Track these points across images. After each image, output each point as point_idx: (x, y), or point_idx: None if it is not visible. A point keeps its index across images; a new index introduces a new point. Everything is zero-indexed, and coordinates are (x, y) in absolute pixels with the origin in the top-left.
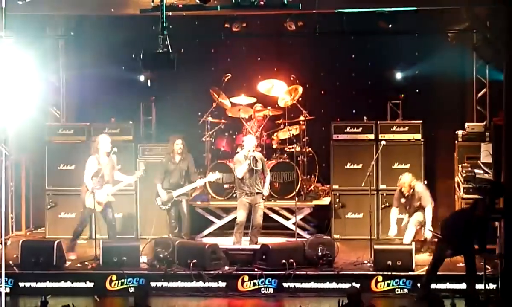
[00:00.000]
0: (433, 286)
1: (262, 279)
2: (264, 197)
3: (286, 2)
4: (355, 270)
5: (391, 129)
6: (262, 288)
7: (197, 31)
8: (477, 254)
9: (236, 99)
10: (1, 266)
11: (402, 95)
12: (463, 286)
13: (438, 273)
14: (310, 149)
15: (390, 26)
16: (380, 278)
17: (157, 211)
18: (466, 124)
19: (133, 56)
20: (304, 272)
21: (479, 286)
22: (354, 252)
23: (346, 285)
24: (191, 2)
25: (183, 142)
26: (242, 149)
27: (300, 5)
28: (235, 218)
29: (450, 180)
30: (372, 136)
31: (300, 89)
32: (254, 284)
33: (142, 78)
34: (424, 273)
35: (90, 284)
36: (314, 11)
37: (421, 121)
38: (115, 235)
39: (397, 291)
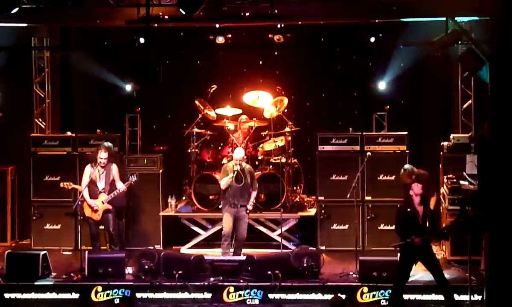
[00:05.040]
0: (418, 297)
1: (247, 291)
2: (248, 211)
3: (271, 14)
4: (340, 281)
5: (377, 141)
6: (248, 300)
7: (182, 43)
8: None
9: (221, 110)
10: None
11: (388, 107)
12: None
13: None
14: (295, 160)
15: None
16: (365, 289)
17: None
18: (452, 135)
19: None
20: (290, 284)
21: (464, 297)
22: (339, 263)
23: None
24: (176, 14)
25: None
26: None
27: (285, 17)
28: (221, 229)
29: (435, 191)
30: (357, 148)
31: (286, 100)
32: (240, 296)
33: (127, 89)
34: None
35: (75, 296)
36: (299, 22)
37: (406, 133)
38: (115, 245)
39: (383, 302)
